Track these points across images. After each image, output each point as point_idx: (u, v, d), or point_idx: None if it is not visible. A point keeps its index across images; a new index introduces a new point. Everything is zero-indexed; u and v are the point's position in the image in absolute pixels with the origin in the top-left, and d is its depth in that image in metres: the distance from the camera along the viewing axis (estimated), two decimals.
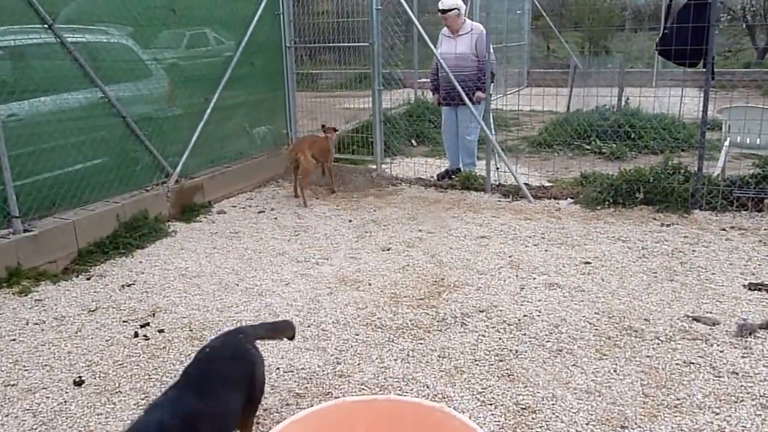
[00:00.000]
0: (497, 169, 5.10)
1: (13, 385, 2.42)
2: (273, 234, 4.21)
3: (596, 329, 2.71)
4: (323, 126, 5.32)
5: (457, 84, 4.92)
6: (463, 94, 4.94)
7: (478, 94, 5.06)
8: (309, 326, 2.83)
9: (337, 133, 5.35)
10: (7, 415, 2.24)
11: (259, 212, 4.74)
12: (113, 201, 4.09)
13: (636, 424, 2.08)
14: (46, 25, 3.63)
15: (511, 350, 2.56)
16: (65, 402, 2.31)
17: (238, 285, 3.34)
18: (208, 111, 4.87)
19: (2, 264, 3.32)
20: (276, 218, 4.58)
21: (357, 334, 2.74)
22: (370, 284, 3.28)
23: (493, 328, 2.76)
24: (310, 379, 2.40)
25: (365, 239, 4.02)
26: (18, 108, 3.55)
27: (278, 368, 2.47)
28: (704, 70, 4.21)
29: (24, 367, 2.55)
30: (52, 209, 3.74)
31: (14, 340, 2.78)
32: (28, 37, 3.60)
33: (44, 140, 3.68)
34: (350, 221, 4.43)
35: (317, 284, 3.31)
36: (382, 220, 4.41)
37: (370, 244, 3.92)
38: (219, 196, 4.96)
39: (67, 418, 2.22)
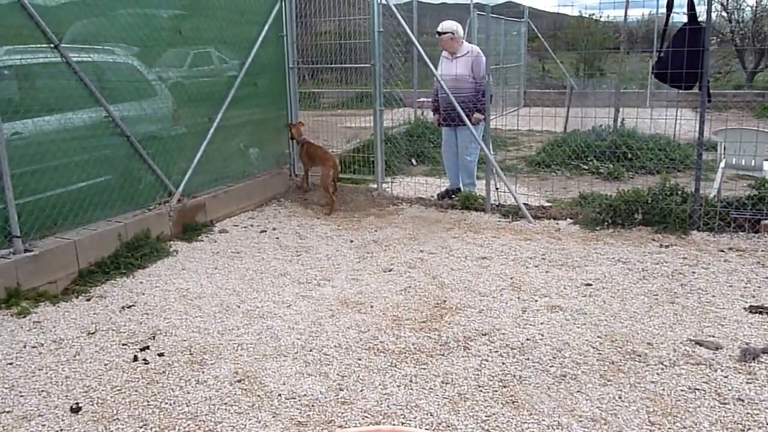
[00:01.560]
0: (497, 189, 5.13)
1: (8, 412, 2.38)
2: (275, 254, 4.20)
3: (600, 353, 2.71)
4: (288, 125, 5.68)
5: (457, 105, 4.99)
6: (463, 115, 4.99)
7: (476, 115, 5.12)
8: (311, 350, 2.82)
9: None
10: None
11: (261, 231, 4.74)
12: (115, 220, 4.08)
13: None
14: (52, 45, 3.66)
15: (514, 375, 2.54)
16: (61, 430, 2.27)
17: (239, 307, 3.33)
18: (212, 130, 4.90)
19: (2, 285, 3.30)
20: (278, 238, 4.58)
21: (359, 359, 2.72)
22: (372, 306, 3.27)
23: (496, 352, 2.75)
24: (312, 406, 2.37)
25: (367, 260, 4.01)
26: (22, 127, 3.57)
27: (280, 395, 2.45)
28: (698, 91, 4.29)
29: (20, 392, 2.51)
30: (54, 228, 3.73)
31: (11, 364, 2.75)
32: (34, 57, 3.62)
33: (47, 159, 3.69)
34: (351, 241, 4.43)
35: (319, 306, 3.30)
36: (383, 240, 4.42)
37: (372, 265, 3.92)
38: (221, 215, 4.96)
39: None
